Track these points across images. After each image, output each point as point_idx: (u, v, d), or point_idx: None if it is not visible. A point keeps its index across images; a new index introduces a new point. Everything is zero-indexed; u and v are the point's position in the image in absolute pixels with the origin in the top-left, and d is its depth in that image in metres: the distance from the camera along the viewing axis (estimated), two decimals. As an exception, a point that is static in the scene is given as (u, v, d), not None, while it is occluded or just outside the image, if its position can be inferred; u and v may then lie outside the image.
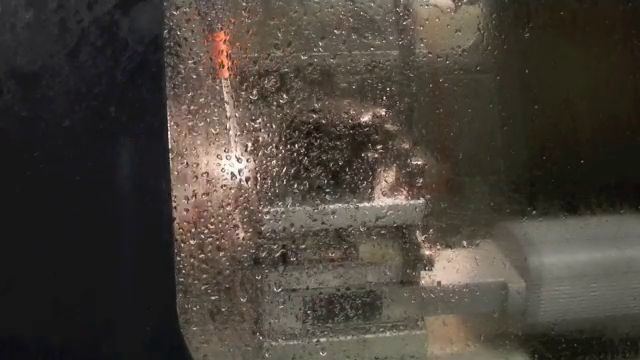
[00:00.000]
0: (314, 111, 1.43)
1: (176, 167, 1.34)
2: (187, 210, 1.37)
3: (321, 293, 1.50)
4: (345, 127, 1.44)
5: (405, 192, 1.50)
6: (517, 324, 1.64)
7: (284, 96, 1.41)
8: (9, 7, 1.15)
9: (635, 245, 1.69)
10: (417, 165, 1.50)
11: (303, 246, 1.48)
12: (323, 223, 1.46)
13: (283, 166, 1.43)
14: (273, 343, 1.49)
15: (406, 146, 1.51)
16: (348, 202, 1.47)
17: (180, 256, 1.37)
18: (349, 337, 1.52)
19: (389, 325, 1.55)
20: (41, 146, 1.18)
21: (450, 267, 1.58)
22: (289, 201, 1.45)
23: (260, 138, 1.41)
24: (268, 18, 1.38)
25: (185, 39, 1.32)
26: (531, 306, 1.63)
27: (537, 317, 1.64)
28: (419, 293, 1.56)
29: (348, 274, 1.51)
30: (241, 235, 1.43)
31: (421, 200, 1.50)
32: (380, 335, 1.54)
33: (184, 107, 1.35)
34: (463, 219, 1.58)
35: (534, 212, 1.62)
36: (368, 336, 1.53)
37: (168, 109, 1.22)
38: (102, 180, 1.20)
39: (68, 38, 1.16)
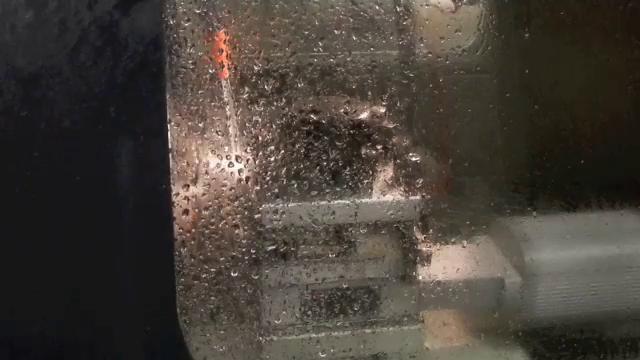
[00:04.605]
0: (314, 111, 1.43)
1: (176, 167, 1.34)
2: (187, 210, 1.37)
3: (321, 293, 1.51)
4: (345, 127, 1.45)
5: (404, 190, 1.51)
6: (514, 320, 1.65)
7: (283, 96, 1.41)
8: (9, 7, 1.15)
9: (632, 242, 1.69)
10: (415, 163, 1.51)
11: (302, 244, 1.48)
12: (322, 222, 1.46)
13: (283, 165, 1.43)
14: (271, 340, 1.50)
15: (405, 145, 1.51)
16: (347, 199, 1.47)
17: (180, 255, 1.37)
18: (347, 332, 1.53)
19: (386, 320, 1.55)
20: (41, 146, 1.18)
21: (448, 263, 1.58)
22: (288, 199, 1.45)
23: (260, 137, 1.41)
24: (268, 18, 1.38)
25: (185, 39, 1.32)
26: (527, 302, 1.64)
27: (533, 312, 1.64)
28: (416, 289, 1.56)
29: (347, 270, 1.51)
30: (241, 234, 1.43)
31: (418, 197, 1.51)
32: (377, 330, 1.55)
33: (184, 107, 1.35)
34: (462, 217, 1.58)
35: (532, 210, 1.63)
36: (366, 331, 1.54)
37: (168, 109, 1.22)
38: (102, 180, 1.20)
39: (68, 38, 1.16)
